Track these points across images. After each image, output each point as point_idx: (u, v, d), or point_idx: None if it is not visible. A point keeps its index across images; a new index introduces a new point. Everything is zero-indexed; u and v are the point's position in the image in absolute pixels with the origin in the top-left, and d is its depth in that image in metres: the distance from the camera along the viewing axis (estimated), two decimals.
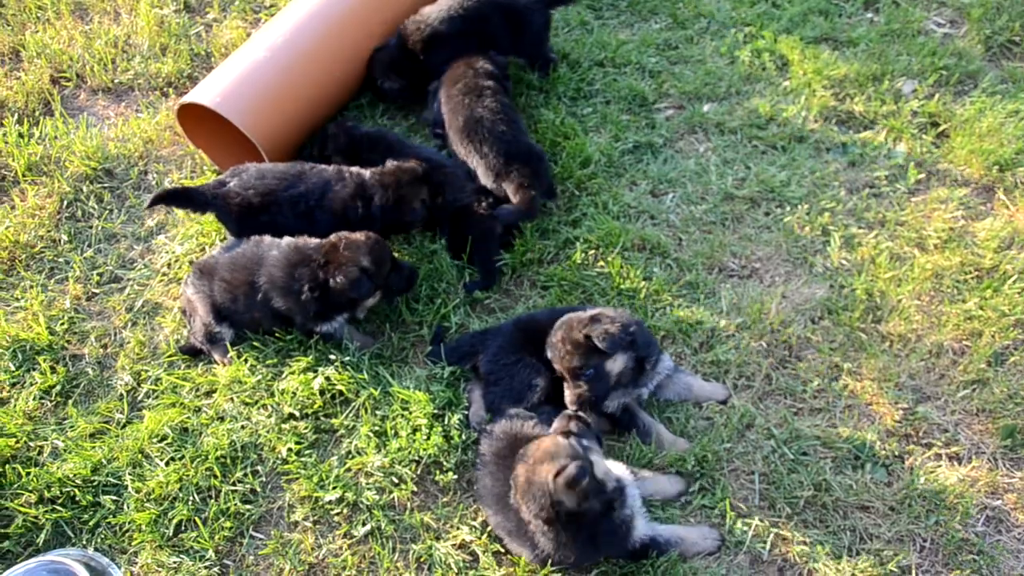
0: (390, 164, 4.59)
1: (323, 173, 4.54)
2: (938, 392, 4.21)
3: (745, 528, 3.79)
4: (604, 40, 5.84)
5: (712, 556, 3.72)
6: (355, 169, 4.59)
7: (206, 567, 3.75)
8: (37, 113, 5.58)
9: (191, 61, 5.82)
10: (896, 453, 4.00)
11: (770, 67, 5.67)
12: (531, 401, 4.00)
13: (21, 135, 5.41)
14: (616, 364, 3.84)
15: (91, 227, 5.02)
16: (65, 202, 5.12)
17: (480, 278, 4.65)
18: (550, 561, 3.52)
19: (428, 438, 4.00)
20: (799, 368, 4.28)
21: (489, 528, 3.78)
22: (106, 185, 5.19)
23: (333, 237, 4.21)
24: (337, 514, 3.88)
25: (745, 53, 5.73)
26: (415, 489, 3.94)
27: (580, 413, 3.74)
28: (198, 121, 5.15)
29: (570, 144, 5.16)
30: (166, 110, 5.50)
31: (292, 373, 4.26)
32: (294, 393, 4.20)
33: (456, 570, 3.69)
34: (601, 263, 4.63)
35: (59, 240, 4.97)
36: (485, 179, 4.80)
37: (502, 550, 3.76)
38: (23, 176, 5.20)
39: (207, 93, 4.78)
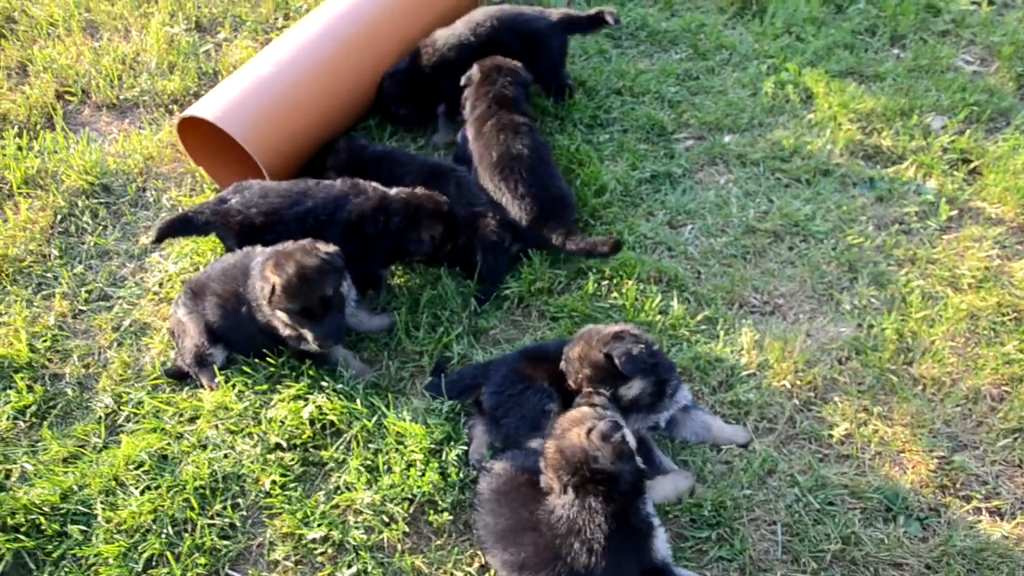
0: (419, 189, 4.41)
1: (331, 189, 4.33)
2: (976, 440, 3.89)
3: None
4: (623, 69, 5.67)
5: None
6: (374, 184, 4.39)
7: None
8: (39, 127, 5.44)
9: (198, 79, 5.69)
10: (931, 506, 3.67)
11: (794, 99, 5.47)
12: (547, 428, 3.71)
13: (20, 148, 5.25)
14: (633, 390, 3.57)
15: (84, 243, 4.82)
16: (59, 216, 4.93)
17: (483, 290, 4.43)
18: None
19: (423, 475, 3.70)
20: (825, 411, 3.98)
21: (487, 575, 3.47)
22: (102, 200, 5.01)
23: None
24: (321, 554, 3.56)
25: (768, 85, 5.55)
26: (407, 530, 3.63)
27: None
28: (200, 138, 4.99)
29: (585, 172, 4.95)
30: (169, 127, 5.34)
31: (282, 400, 3.99)
32: (282, 422, 3.92)
33: None
34: (615, 294, 4.38)
35: (49, 255, 4.77)
36: (516, 216, 4.58)
37: None
38: (18, 189, 5.03)
39: (208, 107, 4.62)
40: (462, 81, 4.95)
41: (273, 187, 4.36)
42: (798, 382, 4.07)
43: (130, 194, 5.03)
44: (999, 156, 5.02)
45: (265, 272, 3.81)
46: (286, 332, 3.94)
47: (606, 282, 4.44)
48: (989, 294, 4.36)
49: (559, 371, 3.80)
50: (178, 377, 4.24)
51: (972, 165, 5.05)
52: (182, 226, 4.42)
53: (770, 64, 5.69)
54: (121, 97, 5.63)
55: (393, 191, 4.34)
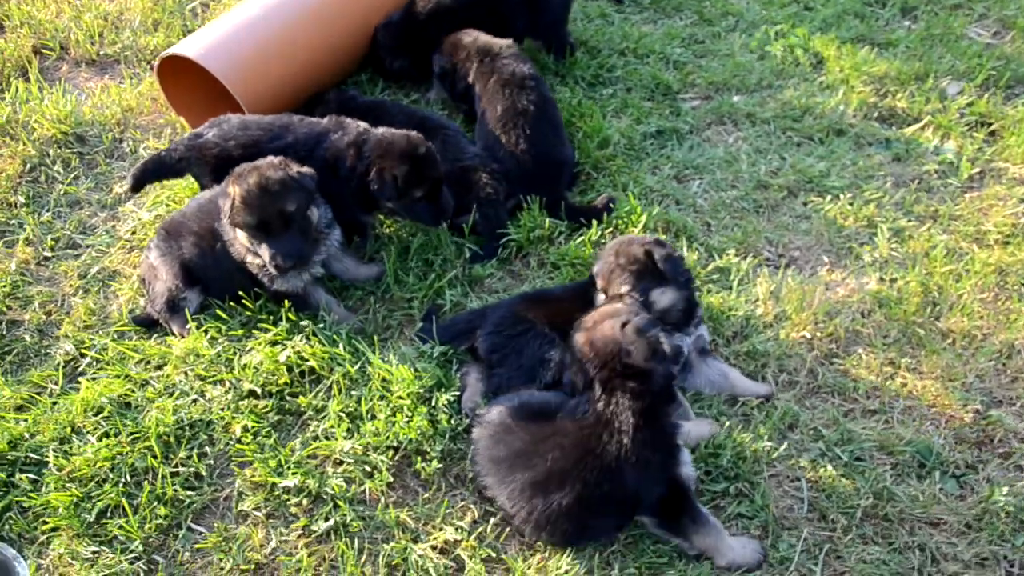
0: (397, 130, 4.06)
1: (315, 125, 4.03)
2: (1012, 396, 3.58)
3: (793, 542, 3.12)
4: (626, 31, 5.44)
5: (752, 573, 3.04)
6: (361, 123, 4.08)
7: (129, 561, 3.06)
8: (12, 79, 5.14)
9: (184, 36, 5.42)
10: (968, 462, 3.35)
11: (804, 63, 5.25)
12: (544, 379, 3.39)
13: None
14: (666, 296, 3.29)
15: (52, 192, 4.50)
16: (28, 166, 4.61)
17: (485, 247, 4.11)
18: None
19: (410, 421, 3.36)
20: (848, 364, 3.67)
21: (479, 530, 3.11)
22: (76, 150, 4.70)
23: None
24: (295, 505, 3.21)
25: (777, 48, 5.32)
26: (391, 480, 3.28)
27: None
28: (183, 88, 4.72)
29: (587, 124, 4.68)
30: (150, 79, 5.05)
31: (258, 345, 3.66)
32: (257, 368, 3.58)
33: None
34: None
35: (15, 204, 4.44)
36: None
37: (494, 555, 3.07)
38: None
39: (191, 45, 4.35)
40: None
41: (254, 120, 4.07)
42: (818, 334, 3.77)
43: (105, 144, 4.72)
44: (1020, 119, 4.78)
45: (227, 187, 3.51)
46: (250, 258, 3.63)
47: (611, 231, 4.14)
48: (1018, 249, 4.09)
49: (563, 314, 3.48)
50: (146, 325, 3.90)
51: (991, 128, 4.81)
52: (156, 168, 4.11)
53: (778, 30, 5.47)
54: (101, 52, 5.35)
55: (378, 130, 4.04)
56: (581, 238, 4.09)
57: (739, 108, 4.94)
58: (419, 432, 3.34)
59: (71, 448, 3.37)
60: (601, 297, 3.45)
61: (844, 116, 4.87)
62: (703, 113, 4.95)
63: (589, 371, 2.94)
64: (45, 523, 3.16)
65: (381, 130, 3.99)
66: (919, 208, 4.34)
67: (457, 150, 4.30)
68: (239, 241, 3.62)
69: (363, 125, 4.02)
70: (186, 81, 4.69)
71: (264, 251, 3.52)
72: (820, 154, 4.65)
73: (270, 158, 3.61)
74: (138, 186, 4.15)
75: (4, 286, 4.03)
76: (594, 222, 4.15)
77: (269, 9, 4.59)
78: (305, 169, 3.63)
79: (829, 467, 3.30)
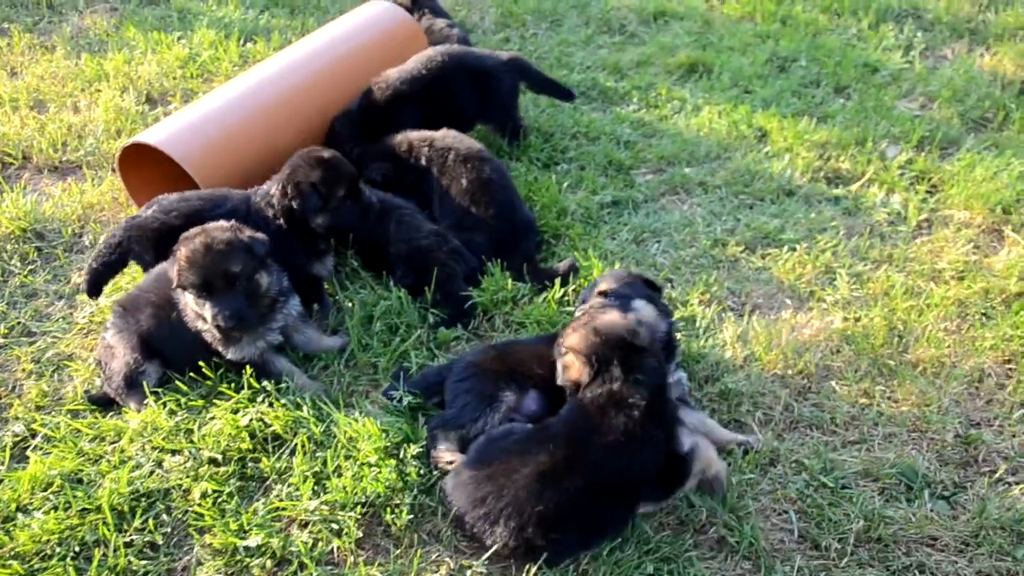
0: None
1: (248, 193, 4.17)
2: (989, 417, 3.56)
3: (787, 571, 2.96)
4: (576, 119, 5.69)
5: None
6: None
7: None
8: None
9: None
10: (956, 481, 3.28)
11: (749, 135, 5.51)
12: (490, 419, 3.28)
13: None
14: (648, 310, 3.39)
15: (8, 284, 4.42)
16: None
17: (449, 319, 4.08)
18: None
19: (378, 475, 3.21)
20: (822, 397, 3.64)
21: None
22: (34, 245, 4.66)
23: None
24: (258, 567, 2.98)
25: (721, 124, 5.59)
26: (359, 537, 3.09)
27: None
28: (144, 182, 4.78)
29: (544, 196, 4.80)
30: (111, 179, 5.11)
31: (219, 412, 3.52)
32: (217, 436, 3.43)
33: None
34: None
35: None
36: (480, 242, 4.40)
37: None
38: None
39: (152, 134, 4.45)
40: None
41: (193, 193, 4.16)
42: (789, 371, 3.75)
43: (65, 237, 4.70)
44: (957, 172, 5.02)
45: (177, 251, 3.49)
46: (200, 324, 3.57)
47: (574, 288, 4.16)
48: (973, 282, 4.18)
49: (527, 362, 3.46)
50: (103, 404, 3.75)
51: (932, 182, 5.04)
52: (103, 264, 4.06)
53: (721, 109, 5.78)
54: (64, 159, 5.42)
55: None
56: (545, 297, 4.10)
57: (691, 178, 5.13)
58: (387, 486, 3.18)
59: (15, 525, 3.14)
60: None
61: (792, 178, 5.07)
62: (656, 184, 5.12)
63: (598, 357, 3.02)
64: None
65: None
66: (874, 253, 4.45)
67: (413, 230, 4.35)
68: (188, 305, 3.57)
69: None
70: (147, 174, 4.75)
71: (207, 310, 3.46)
72: (773, 212, 4.80)
73: (221, 222, 3.62)
74: (95, 290, 4.12)
75: None
76: (557, 282, 4.17)
77: (229, 102, 4.75)
78: (258, 235, 3.63)
79: (816, 496, 3.20)
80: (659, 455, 2.99)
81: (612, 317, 3.16)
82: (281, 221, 4.00)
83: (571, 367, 3.12)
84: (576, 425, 3.03)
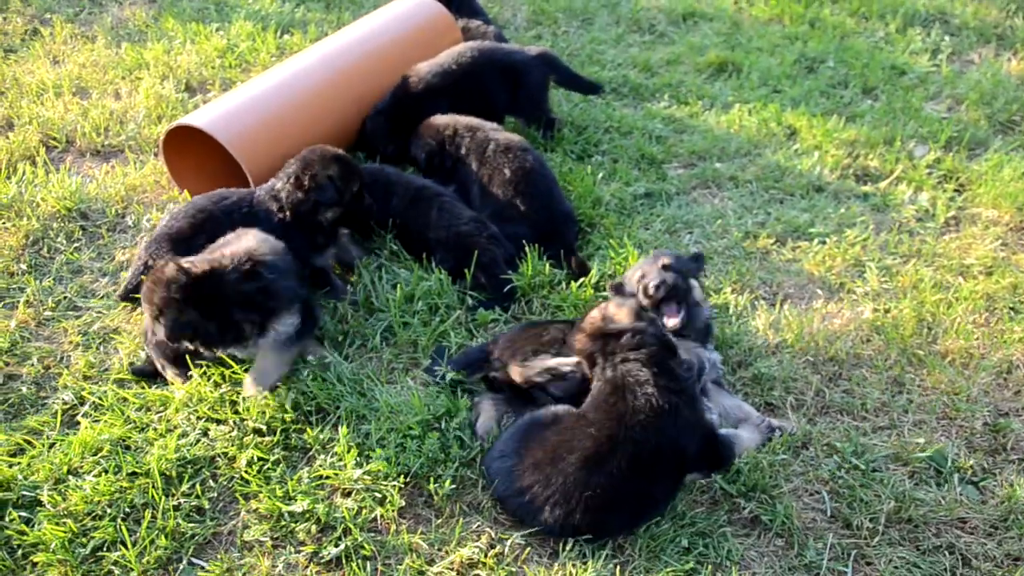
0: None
1: (246, 190, 4.36)
2: (1018, 408, 3.62)
3: (820, 548, 3.03)
4: (608, 113, 5.78)
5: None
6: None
7: None
8: (19, 165, 5.29)
9: None
10: (985, 467, 3.34)
11: (778, 133, 5.58)
12: (560, 390, 3.39)
13: None
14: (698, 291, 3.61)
15: (55, 261, 4.54)
16: (32, 239, 4.67)
17: (491, 300, 4.17)
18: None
19: (420, 447, 3.30)
20: (853, 383, 3.70)
21: (496, 551, 2.99)
22: (79, 224, 4.78)
23: None
24: (303, 532, 3.07)
25: (751, 122, 5.67)
26: (402, 506, 3.18)
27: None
28: (186, 165, 4.90)
29: (579, 186, 4.88)
30: (154, 163, 5.23)
31: None
32: (263, 411, 3.53)
33: None
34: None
35: (17, 271, 4.47)
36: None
37: (515, 568, 2.95)
38: None
39: (198, 117, 4.57)
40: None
41: (197, 197, 4.35)
42: (820, 358, 3.82)
43: (109, 217, 4.82)
44: (984, 172, 5.08)
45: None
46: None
47: (610, 277, 4.24)
48: (1002, 277, 4.24)
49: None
50: (146, 376, 3.85)
51: (959, 181, 5.10)
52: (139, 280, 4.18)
53: (751, 107, 5.86)
54: (106, 143, 5.55)
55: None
56: (582, 282, 4.18)
57: (722, 173, 5.20)
58: (430, 457, 3.27)
59: (67, 487, 3.24)
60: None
61: (821, 175, 5.14)
62: (688, 178, 5.20)
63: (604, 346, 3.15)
64: (35, 561, 3.00)
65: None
66: (902, 248, 4.51)
67: (453, 216, 4.45)
68: None
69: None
70: (189, 158, 4.88)
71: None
72: (803, 207, 4.87)
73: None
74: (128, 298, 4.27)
75: (3, 344, 3.99)
76: (594, 269, 4.25)
77: (271, 89, 4.86)
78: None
79: (847, 477, 3.26)
80: (692, 431, 3.10)
81: (609, 308, 3.36)
82: (286, 215, 4.14)
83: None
84: (609, 406, 3.11)
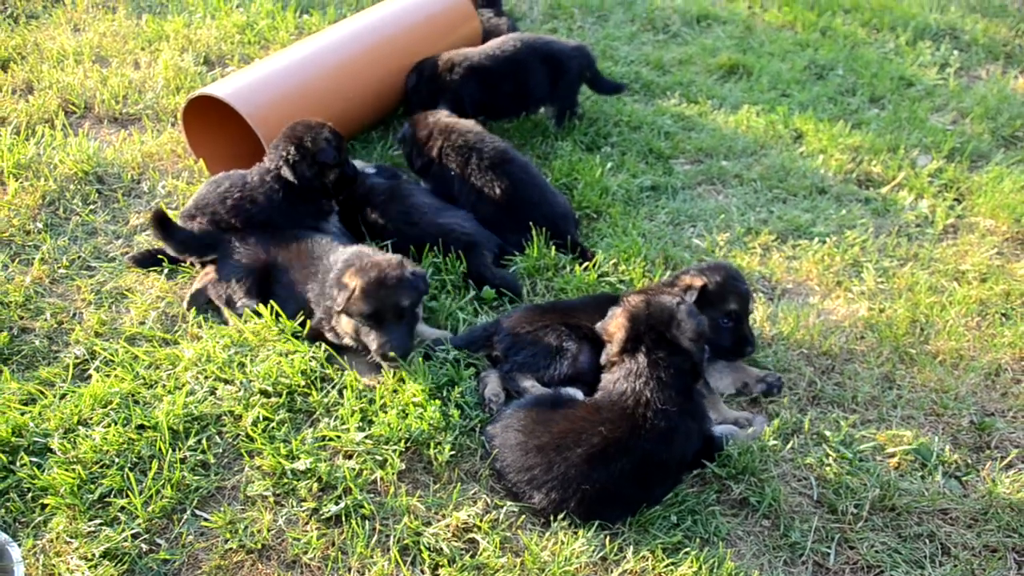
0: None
1: (241, 173, 4.45)
2: (1003, 408, 3.72)
3: (804, 530, 3.13)
4: (619, 108, 5.88)
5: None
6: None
7: (130, 538, 2.98)
8: (38, 127, 5.38)
9: None
10: (968, 463, 3.44)
11: (785, 135, 5.68)
12: (559, 371, 3.46)
13: (15, 142, 5.16)
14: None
15: (71, 221, 4.63)
16: (48, 199, 4.76)
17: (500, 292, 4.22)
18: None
19: (422, 414, 3.39)
20: (846, 376, 3.80)
21: (491, 516, 3.09)
22: (95, 187, 4.87)
23: None
24: (305, 490, 3.17)
25: (759, 123, 5.77)
26: (402, 469, 3.27)
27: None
28: (204, 136, 5.00)
29: (587, 175, 4.98)
30: (171, 132, 5.33)
31: (271, 354, 3.71)
32: (269, 371, 3.62)
33: (450, 555, 2.95)
34: (623, 268, 4.27)
35: (33, 230, 4.56)
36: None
37: (510, 535, 3.04)
38: (9, 171, 4.88)
39: (220, 87, 4.65)
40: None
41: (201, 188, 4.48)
42: (815, 351, 3.91)
43: (125, 181, 4.91)
44: (984, 184, 5.18)
45: (344, 278, 3.62)
46: (347, 340, 3.70)
47: (613, 262, 4.33)
48: (995, 284, 4.34)
49: (576, 319, 3.64)
50: (144, 265, 4.29)
51: (960, 191, 5.20)
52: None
53: (759, 109, 5.96)
54: (124, 111, 5.64)
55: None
56: (586, 266, 4.27)
57: (727, 170, 5.30)
58: (431, 424, 3.37)
59: (77, 436, 3.33)
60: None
61: (825, 178, 5.24)
62: (694, 174, 5.29)
63: (635, 330, 3.22)
64: (44, 505, 3.09)
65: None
66: (900, 251, 4.61)
67: (432, 212, 4.48)
68: (346, 326, 3.68)
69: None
70: (207, 130, 4.97)
71: (373, 339, 3.56)
72: (805, 207, 4.97)
73: (389, 256, 3.74)
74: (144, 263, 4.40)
75: (17, 297, 4.08)
76: (600, 255, 4.34)
77: (292, 64, 4.96)
78: (419, 269, 3.73)
79: (834, 465, 3.36)
80: (696, 439, 3.22)
81: (665, 299, 3.37)
82: (294, 184, 4.23)
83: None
84: (624, 410, 3.15)
